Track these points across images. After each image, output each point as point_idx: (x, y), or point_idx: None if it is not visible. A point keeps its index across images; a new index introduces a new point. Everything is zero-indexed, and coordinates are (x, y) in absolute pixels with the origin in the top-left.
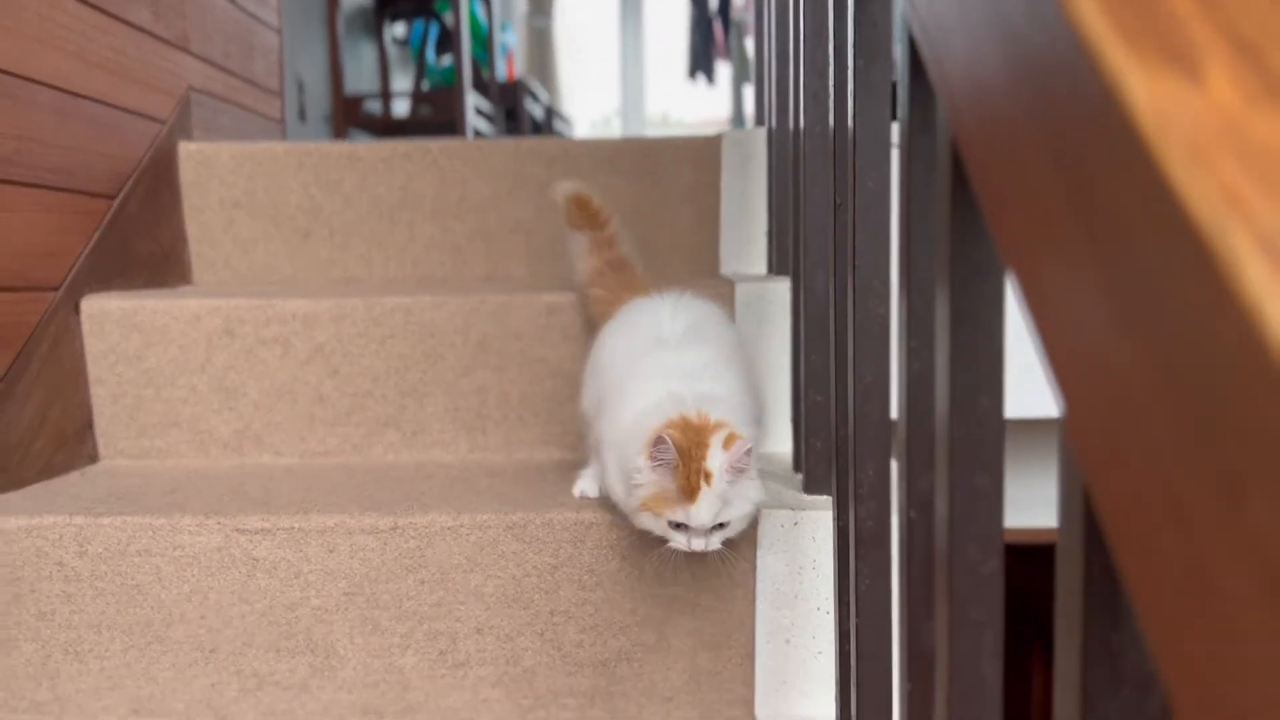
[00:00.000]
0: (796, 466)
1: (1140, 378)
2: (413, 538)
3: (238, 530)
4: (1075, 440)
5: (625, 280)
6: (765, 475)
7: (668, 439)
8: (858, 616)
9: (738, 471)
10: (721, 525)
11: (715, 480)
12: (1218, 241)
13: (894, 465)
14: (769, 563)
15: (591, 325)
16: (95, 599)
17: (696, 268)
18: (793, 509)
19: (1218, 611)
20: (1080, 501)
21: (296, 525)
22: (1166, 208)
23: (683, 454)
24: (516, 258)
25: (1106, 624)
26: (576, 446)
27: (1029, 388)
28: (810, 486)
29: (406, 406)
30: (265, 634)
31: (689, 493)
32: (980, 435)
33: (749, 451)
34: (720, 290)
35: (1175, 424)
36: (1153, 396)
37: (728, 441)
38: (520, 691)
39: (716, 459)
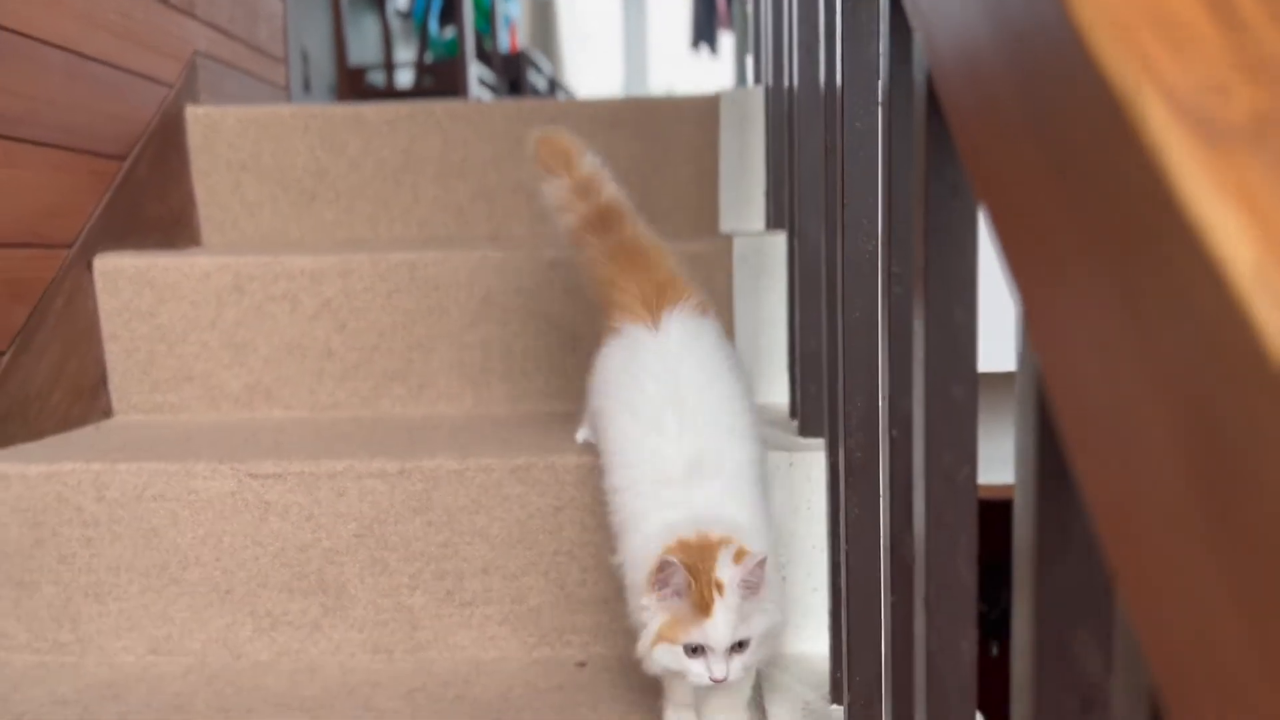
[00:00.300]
0: (793, 413)
1: (1075, 245)
2: (420, 481)
3: (250, 475)
4: (1035, 339)
5: (621, 243)
6: (764, 423)
7: (675, 561)
8: (847, 544)
9: (750, 588)
10: (741, 646)
11: (728, 592)
12: (1130, 97)
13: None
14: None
15: (592, 292)
16: (113, 543)
17: (697, 224)
18: (788, 450)
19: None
20: (1036, 407)
21: (307, 470)
22: (1091, 78)
23: (692, 571)
24: (518, 217)
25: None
26: (579, 400)
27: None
28: (805, 429)
29: (413, 360)
30: (278, 575)
31: (703, 607)
32: (954, 346)
33: (762, 563)
34: (719, 246)
35: (1108, 290)
36: (1084, 258)
37: (737, 556)
38: (526, 629)
39: (727, 571)
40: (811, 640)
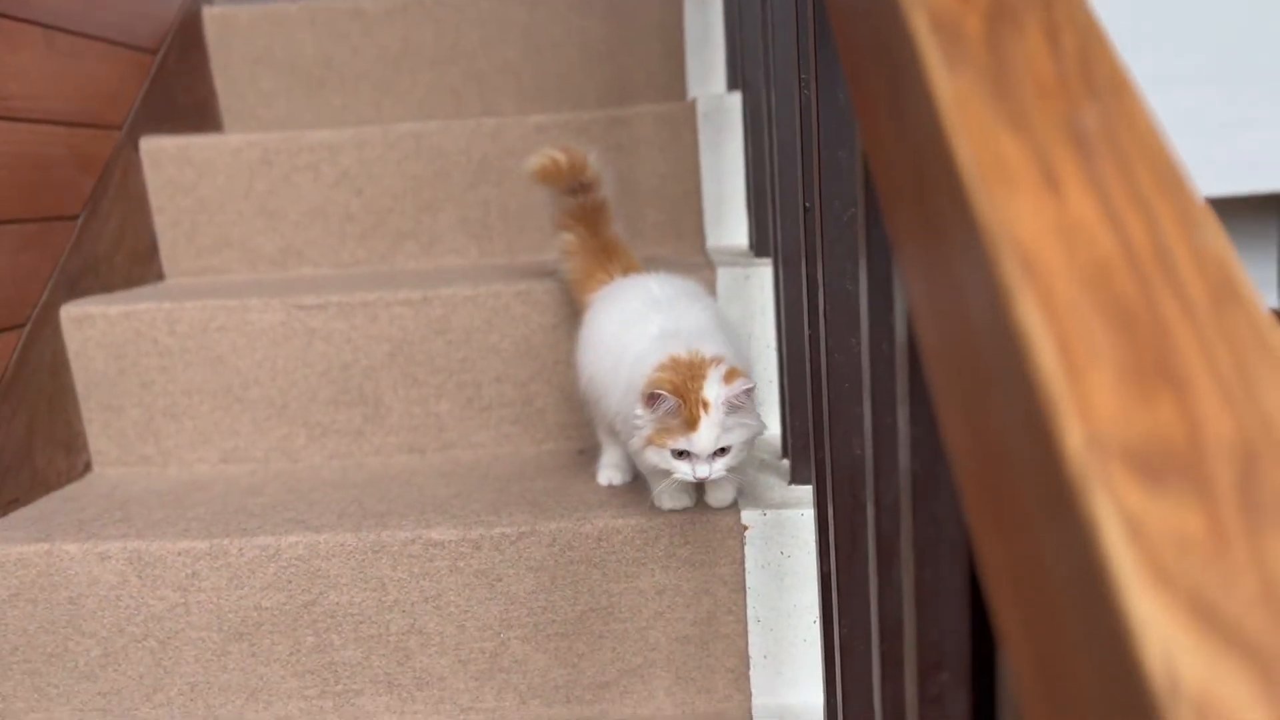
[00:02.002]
0: (751, 244)
1: (902, 162)
2: (440, 306)
3: (297, 307)
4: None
5: (602, 239)
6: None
7: (662, 392)
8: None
9: (735, 408)
10: (723, 451)
11: (713, 410)
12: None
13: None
14: None
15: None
16: (186, 369)
17: (666, 93)
18: (744, 267)
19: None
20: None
21: (344, 300)
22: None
23: (680, 392)
24: (507, 95)
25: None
26: None
27: None
28: (759, 251)
29: (422, 220)
30: (325, 391)
31: (691, 422)
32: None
33: (749, 391)
34: (685, 108)
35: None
36: (911, 185)
37: (729, 376)
38: (534, 427)
39: (714, 389)
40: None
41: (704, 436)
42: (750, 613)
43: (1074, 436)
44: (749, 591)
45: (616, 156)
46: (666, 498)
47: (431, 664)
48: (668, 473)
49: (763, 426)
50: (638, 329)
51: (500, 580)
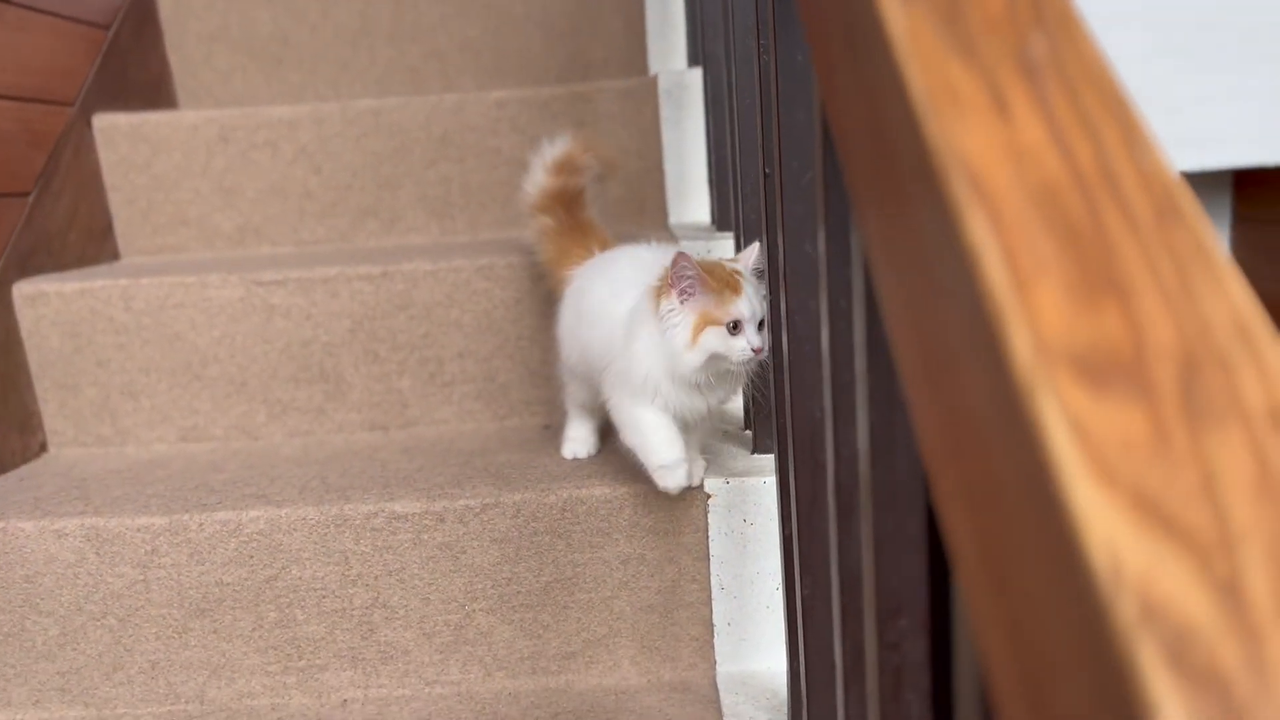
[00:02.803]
0: (713, 220)
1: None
2: (401, 282)
3: (256, 283)
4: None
5: (576, 221)
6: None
7: (681, 260)
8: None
9: (759, 274)
10: (761, 325)
11: (746, 279)
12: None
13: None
14: None
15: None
16: (143, 347)
17: (628, 69)
18: (707, 240)
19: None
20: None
21: (304, 275)
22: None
23: (706, 268)
24: (467, 72)
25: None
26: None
27: None
28: (720, 226)
29: (383, 197)
30: (285, 367)
31: (733, 288)
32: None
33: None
34: (646, 83)
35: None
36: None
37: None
38: (497, 403)
39: (738, 264)
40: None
41: (750, 297)
42: (714, 580)
43: (1022, 345)
44: (713, 559)
45: (579, 132)
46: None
47: (396, 637)
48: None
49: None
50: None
51: (464, 553)
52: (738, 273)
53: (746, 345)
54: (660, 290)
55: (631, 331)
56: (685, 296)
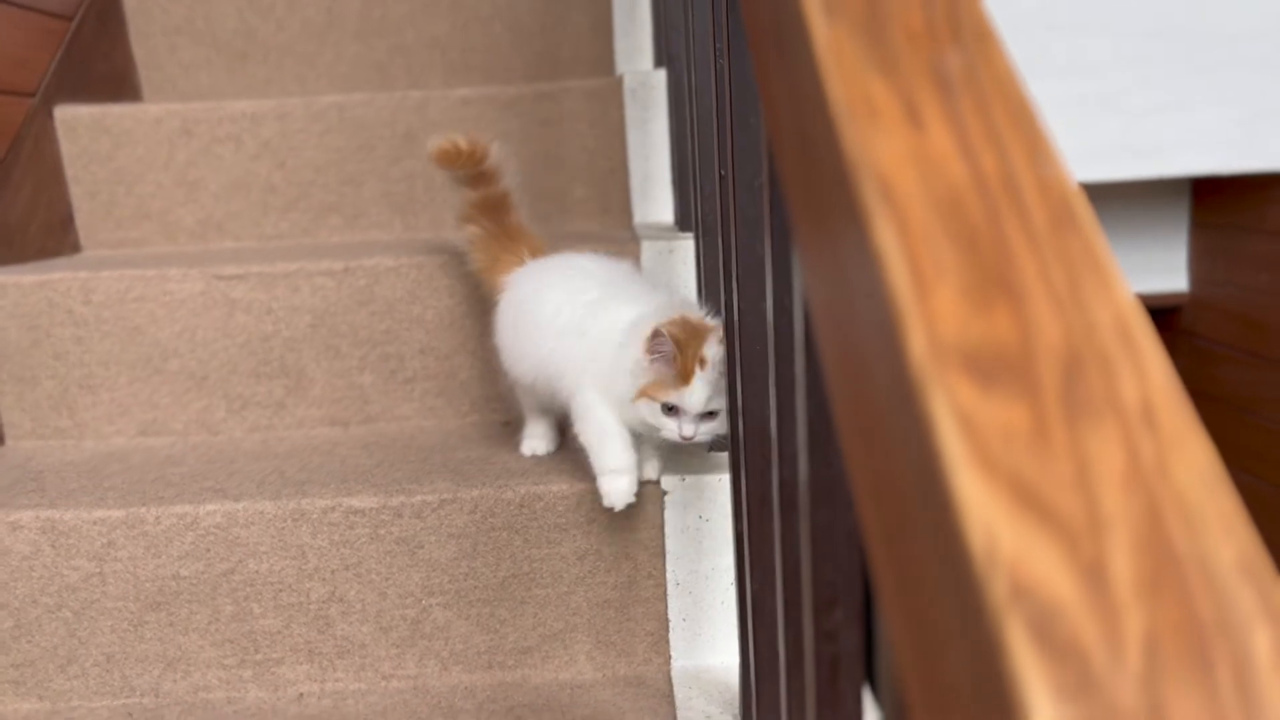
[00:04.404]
0: (677, 221)
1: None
2: (363, 277)
3: (217, 277)
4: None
5: (505, 227)
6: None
7: (665, 333)
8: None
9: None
10: (710, 415)
11: (709, 367)
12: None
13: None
14: None
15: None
16: (102, 340)
17: (594, 69)
18: (668, 240)
19: None
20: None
21: (265, 270)
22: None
23: (680, 345)
24: (433, 69)
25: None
26: None
27: None
28: (682, 226)
29: (346, 194)
30: (246, 362)
31: (684, 376)
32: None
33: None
34: (612, 84)
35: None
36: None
37: (723, 341)
38: (459, 400)
39: (713, 349)
40: None
41: (696, 392)
42: (670, 576)
43: (918, 343)
44: (668, 556)
45: (543, 131)
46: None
47: (352, 632)
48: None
49: None
50: (600, 308)
51: (422, 547)
52: (702, 360)
53: (677, 430)
54: (648, 339)
55: (624, 345)
56: (654, 357)
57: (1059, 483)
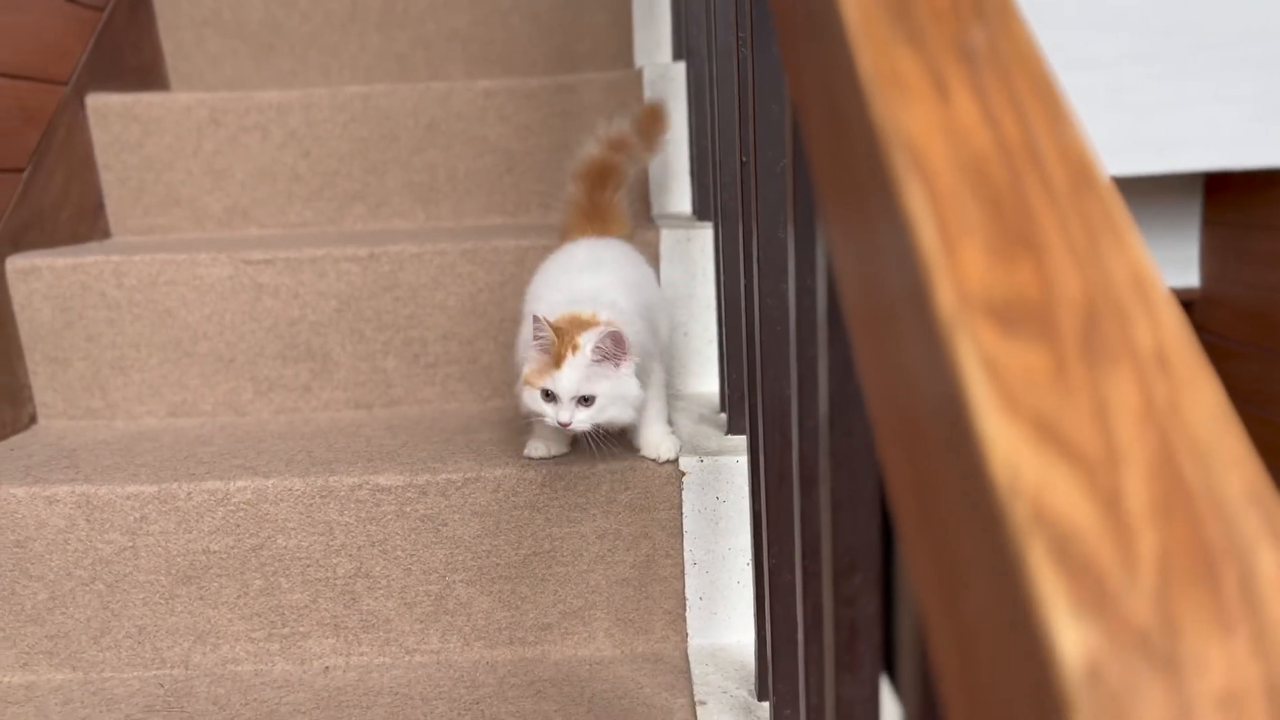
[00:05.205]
0: (694, 210)
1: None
2: (387, 264)
3: (245, 262)
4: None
5: (600, 201)
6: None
7: (543, 320)
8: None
9: (604, 355)
10: (586, 401)
11: (581, 352)
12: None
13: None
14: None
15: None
16: (133, 323)
17: (615, 61)
18: (687, 229)
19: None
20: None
21: (292, 255)
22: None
23: (559, 333)
24: (454, 62)
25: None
26: (516, 214)
27: None
28: (701, 215)
29: (370, 183)
30: (273, 345)
31: (557, 361)
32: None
33: (618, 340)
34: (631, 76)
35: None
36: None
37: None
38: (480, 384)
39: (588, 337)
40: (705, 381)
41: (565, 377)
42: (687, 556)
43: (946, 294)
44: (686, 536)
45: (564, 122)
46: (529, 447)
47: (378, 606)
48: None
49: (640, 393)
50: (548, 293)
51: (445, 525)
52: (575, 346)
53: (554, 414)
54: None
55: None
56: (536, 344)
57: (1078, 419)
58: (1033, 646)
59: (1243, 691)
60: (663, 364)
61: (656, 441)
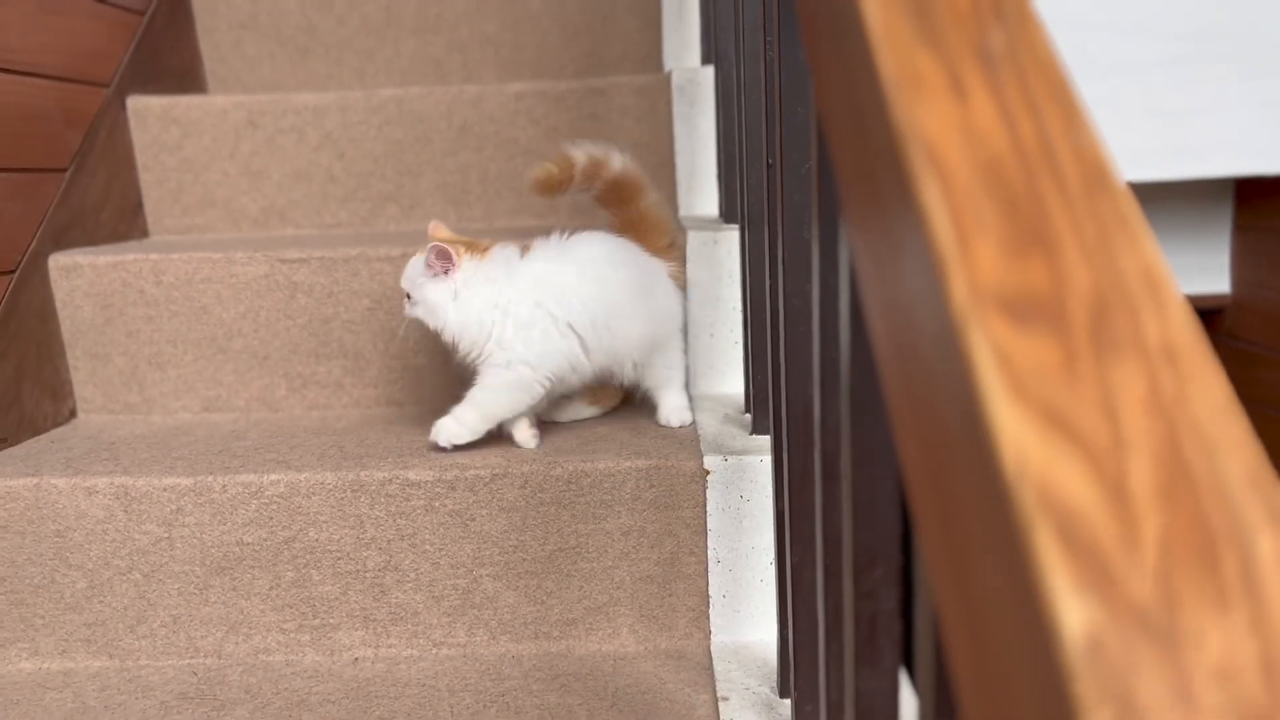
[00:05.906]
0: (721, 213)
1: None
2: None
3: (280, 260)
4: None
5: (633, 213)
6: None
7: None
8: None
9: (432, 266)
10: (410, 298)
11: (417, 258)
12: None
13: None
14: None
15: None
16: (171, 319)
17: (643, 65)
18: (713, 231)
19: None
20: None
21: (327, 255)
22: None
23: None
24: (487, 66)
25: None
26: (547, 215)
27: None
28: (727, 218)
29: (403, 184)
30: (306, 343)
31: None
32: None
33: (441, 253)
34: (660, 80)
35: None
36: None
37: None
38: None
39: (435, 252)
40: (730, 382)
41: (404, 272)
42: (711, 554)
43: (960, 288)
44: (710, 534)
45: (593, 125)
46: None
47: (406, 599)
48: None
49: (444, 305)
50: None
51: (473, 520)
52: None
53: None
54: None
55: None
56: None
57: (1085, 408)
58: (1038, 622)
59: (1239, 665)
60: (679, 347)
61: (668, 412)
